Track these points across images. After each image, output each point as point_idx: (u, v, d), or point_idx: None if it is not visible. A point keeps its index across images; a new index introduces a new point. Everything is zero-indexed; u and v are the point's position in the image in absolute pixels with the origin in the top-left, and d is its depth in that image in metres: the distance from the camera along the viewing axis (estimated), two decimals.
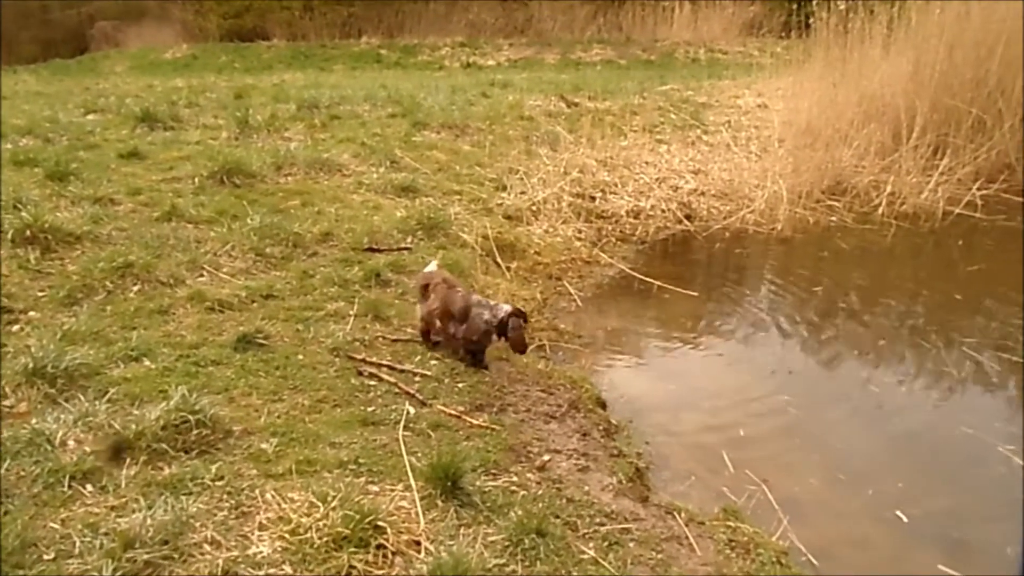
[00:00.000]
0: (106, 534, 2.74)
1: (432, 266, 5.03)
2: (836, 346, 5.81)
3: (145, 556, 2.64)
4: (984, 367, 5.36)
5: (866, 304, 6.53)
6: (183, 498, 2.98)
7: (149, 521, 2.78)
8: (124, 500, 2.98)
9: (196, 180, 7.05)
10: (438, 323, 4.73)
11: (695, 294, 6.57)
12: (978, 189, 9.16)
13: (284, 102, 11.38)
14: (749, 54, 18.86)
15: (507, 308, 4.58)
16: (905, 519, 3.79)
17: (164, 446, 3.30)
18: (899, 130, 10.13)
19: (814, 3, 11.03)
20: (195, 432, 3.40)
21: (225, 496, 3.10)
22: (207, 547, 2.79)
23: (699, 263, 7.56)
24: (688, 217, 8.50)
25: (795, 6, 18.36)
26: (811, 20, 11.28)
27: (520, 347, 4.64)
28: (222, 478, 3.20)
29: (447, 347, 4.79)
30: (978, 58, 10.28)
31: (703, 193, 9.12)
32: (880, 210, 8.81)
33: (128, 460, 3.21)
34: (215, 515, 2.97)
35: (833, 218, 8.67)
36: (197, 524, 2.87)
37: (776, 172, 9.25)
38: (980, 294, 6.75)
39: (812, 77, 11.14)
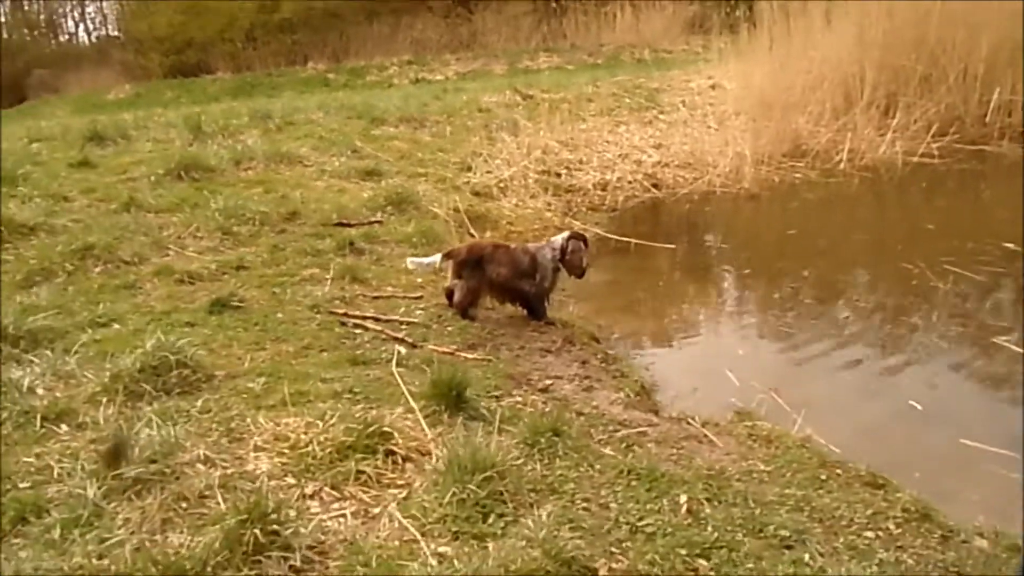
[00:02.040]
0: (87, 459, 2.51)
1: (434, 259, 4.49)
2: (820, 276, 5.75)
3: (133, 473, 2.42)
4: (970, 279, 5.35)
5: (841, 239, 6.53)
6: (169, 426, 2.76)
7: (134, 442, 2.55)
8: (104, 434, 2.74)
9: (152, 177, 6.81)
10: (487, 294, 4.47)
11: (672, 246, 6.50)
12: (932, 140, 9.32)
13: (236, 118, 11.14)
14: (694, 51, 19.09)
15: (564, 235, 4.48)
16: (919, 407, 3.71)
17: (144, 387, 3.08)
18: (850, 92, 10.29)
19: None
20: (175, 372, 3.18)
21: (215, 424, 2.89)
22: (200, 466, 2.58)
23: (672, 223, 7.50)
24: (655, 186, 8.45)
25: (733, 1, 18.86)
26: (749, 14, 11.45)
27: (577, 271, 4.46)
28: (209, 411, 3.00)
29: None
30: (917, 17, 10.52)
31: (667, 164, 9.09)
32: (842, 165, 8.88)
33: (105, 401, 2.98)
34: (207, 437, 2.76)
35: (798, 175, 8.70)
36: (188, 444, 2.66)
37: (736, 139, 9.29)
38: (952, 223, 6.81)
39: (759, 55, 11.29)
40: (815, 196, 7.94)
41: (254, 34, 21.72)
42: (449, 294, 4.56)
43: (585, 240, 4.54)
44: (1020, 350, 4.20)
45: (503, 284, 4.45)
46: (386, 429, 2.74)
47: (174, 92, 20.69)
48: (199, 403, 3.02)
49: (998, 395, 3.87)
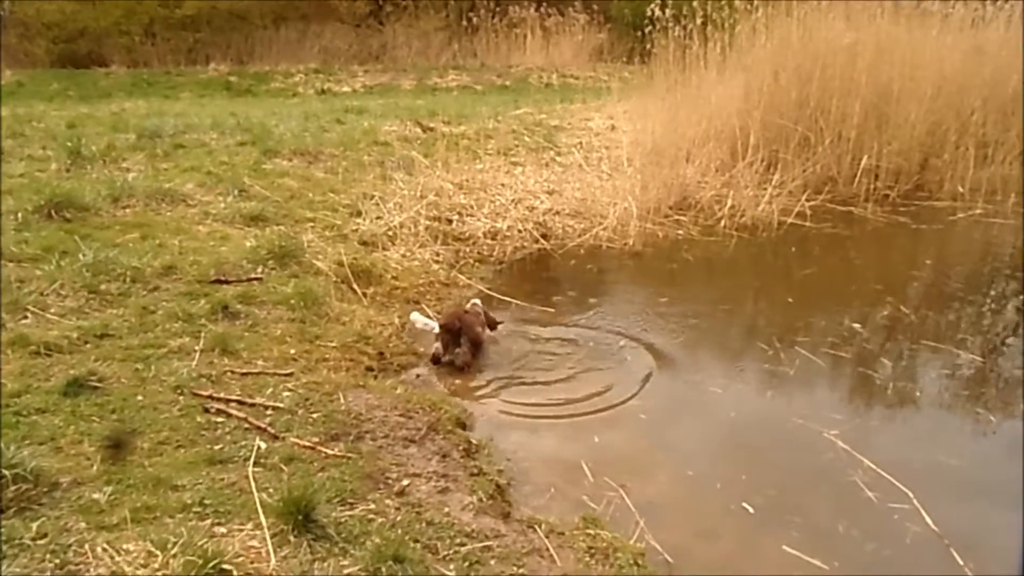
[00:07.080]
0: None
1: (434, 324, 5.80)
2: (683, 352, 6.07)
3: None
4: (815, 363, 5.78)
5: (711, 311, 6.91)
6: None
7: None
8: None
9: (19, 215, 6.50)
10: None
11: (552, 310, 6.72)
12: (807, 200, 9.94)
13: (123, 132, 10.71)
14: (599, 79, 19.61)
15: (476, 299, 6.23)
16: (751, 510, 4.02)
17: None
18: (735, 147, 10.85)
19: (655, 31, 11.59)
20: (13, 488, 3.11)
21: (48, 556, 2.85)
22: None
23: (556, 280, 7.73)
24: (544, 236, 8.67)
25: (639, 35, 19.45)
26: (652, 48, 11.86)
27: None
28: (44, 535, 2.94)
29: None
30: (800, 81, 11.21)
31: (558, 212, 9.35)
32: (722, 223, 9.34)
33: None
34: None
35: (680, 232, 9.11)
36: None
37: (626, 190, 9.64)
38: (811, 296, 7.31)
39: (656, 99, 11.75)
40: (693, 256, 8.34)
41: (153, 29, 20.83)
42: (436, 359, 5.59)
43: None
44: (846, 446, 4.60)
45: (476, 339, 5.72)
46: (226, 566, 2.77)
47: (61, 84, 19.55)
48: (35, 526, 2.97)
49: (824, 497, 4.21)
